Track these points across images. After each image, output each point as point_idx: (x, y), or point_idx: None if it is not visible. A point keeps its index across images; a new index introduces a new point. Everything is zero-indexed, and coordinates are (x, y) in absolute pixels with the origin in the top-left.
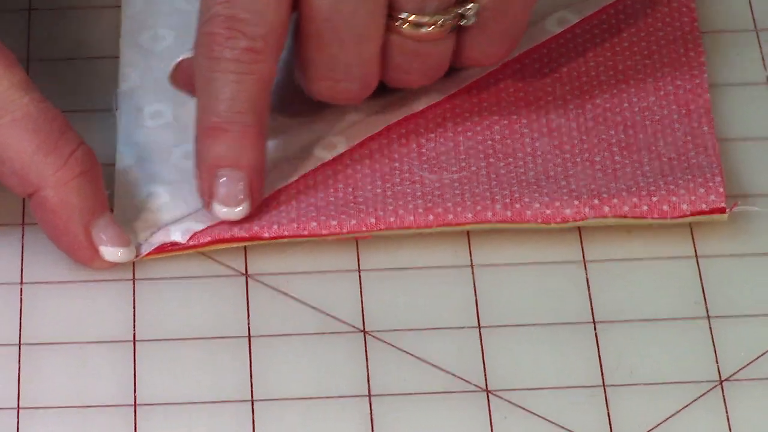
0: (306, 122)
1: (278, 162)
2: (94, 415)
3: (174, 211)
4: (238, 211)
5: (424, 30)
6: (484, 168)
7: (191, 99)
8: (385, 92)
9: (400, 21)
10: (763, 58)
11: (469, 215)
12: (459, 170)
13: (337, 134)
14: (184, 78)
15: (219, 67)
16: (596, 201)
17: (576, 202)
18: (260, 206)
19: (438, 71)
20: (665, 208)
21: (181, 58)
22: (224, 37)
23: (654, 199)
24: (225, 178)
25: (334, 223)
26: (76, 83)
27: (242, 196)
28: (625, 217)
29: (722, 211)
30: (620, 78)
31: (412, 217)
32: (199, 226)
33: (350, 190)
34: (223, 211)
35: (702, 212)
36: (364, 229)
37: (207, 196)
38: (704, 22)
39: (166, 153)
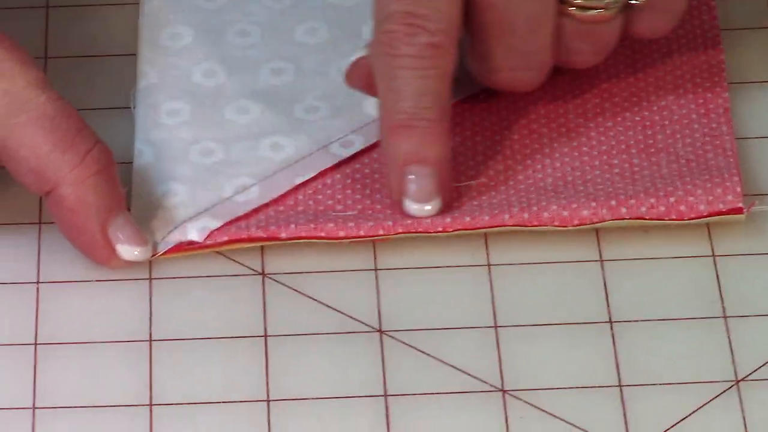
0: (323, 119)
1: (295, 159)
2: (110, 415)
3: (190, 208)
4: (430, 207)
5: (595, 12)
6: (501, 172)
7: (208, 97)
8: None
9: (572, 5)
10: None
11: (486, 218)
12: (477, 175)
13: (355, 132)
14: (360, 77)
15: (401, 64)
16: (613, 202)
17: (593, 204)
18: (277, 205)
19: (608, 49)
20: (682, 208)
21: (355, 57)
22: (404, 34)
23: (671, 199)
24: (414, 175)
25: (352, 224)
26: (94, 81)
27: (433, 192)
28: (643, 218)
29: (740, 211)
30: (639, 77)
31: (429, 220)
32: (215, 223)
33: (368, 192)
34: (414, 208)
35: (719, 212)
36: (381, 231)
37: (397, 194)
38: (723, 20)
39: (183, 151)
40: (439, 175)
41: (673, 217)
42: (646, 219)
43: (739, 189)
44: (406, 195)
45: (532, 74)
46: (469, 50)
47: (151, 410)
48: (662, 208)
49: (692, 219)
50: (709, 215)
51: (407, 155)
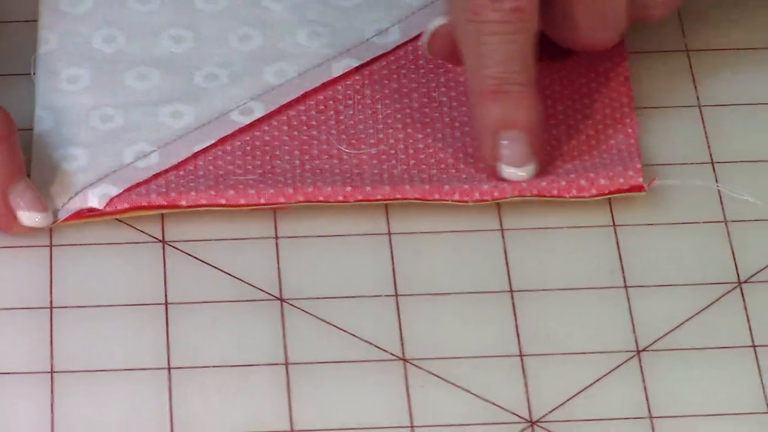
0: (222, 87)
1: (195, 126)
2: (11, 382)
3: (90, 174)
4: (525, 170)
5: None
6: (402, 141)
7: (108, 63)
8: (303, 58)
9: None
10: (682, 26)
11: (387, 188)
12: (377, 142)
13: (254, 99)
14: (441, 47)
15: (487, 30)
16: None
17: (494, 179)
18: (177, 170)
19: (679, 1)
20: (583, 182)
21: (434, 27)
22: (488, 0)
23: (571, 175)
24: (508, 140)
25: (252, 191)
26: None
27: (528, 155)
28: (543, 195)
29: (640, 189)
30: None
31: (330, 188)
32: (116, 190)
33: (268, 158)
34: (510, 172)
35: (620, 190)
36: (281, 199)
37: (492, 160)
38: None
39: (83, 116)
40: (532, 138)
41: (574, 192)
42: (547, 196)
43: (639, 166)
44: (501, 160)
45: (610, 33)
46: (546, 12)
47: (52, 377)
48: (563, 183)
49: (593, 197)
50: (610, 193)
51: (499, 121)
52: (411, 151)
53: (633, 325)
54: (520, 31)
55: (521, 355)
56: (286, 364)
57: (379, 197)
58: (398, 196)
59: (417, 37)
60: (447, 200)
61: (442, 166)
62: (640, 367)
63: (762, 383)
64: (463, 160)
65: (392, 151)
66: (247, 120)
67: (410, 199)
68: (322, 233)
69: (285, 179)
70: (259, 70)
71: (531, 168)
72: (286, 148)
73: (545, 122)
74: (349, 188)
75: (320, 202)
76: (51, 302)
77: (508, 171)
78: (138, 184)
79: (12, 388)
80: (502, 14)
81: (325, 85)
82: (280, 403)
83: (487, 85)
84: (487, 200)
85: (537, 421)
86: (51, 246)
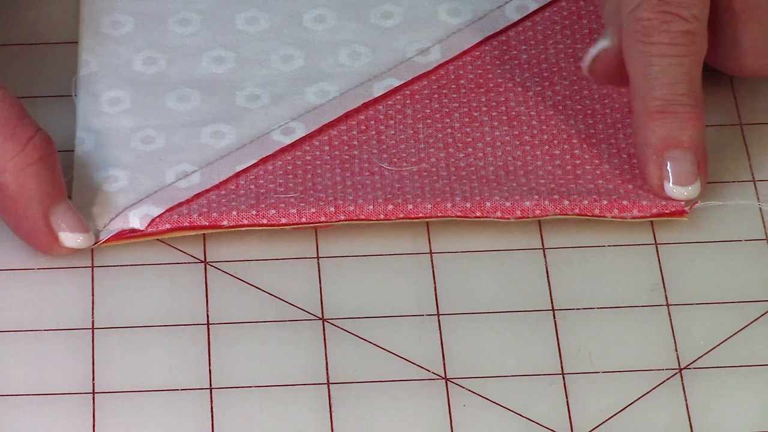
0: (264, 107)
1: (236, 146)
2: (53, 403)
3: (132, 195)
4: (691, 189)
5: None
6: (443, 159)
7: (149, 85)
8: (344, 78)
9: None
10: None
11: (428, 206)
12: (418, 161)
13: (296, 119)
14: (603, 68)
15: (656, 52)
16: (556, 196)
17: (536, 196)
18: (219, 189)
19: None
20: (625, 203)
21: (597, 50)
22: (659, 22)
23: (614, 196)
24: (674, 159)
25: (293, 211)
26: (35, 69)
27: (693, 174)
28: (584, 214)
29: (683, 213)
30: (579, 66)
31: (371, 207)
32: (157, 210)
33: (309, 176)
34: (676, 191)
35: (662, 213)
36: (323, 218)
37: (657, 179)
38: None
39: (125, 138)
40: (698, 158)
41: (616, 212)
42: (588, 215)
43: None
44: (667, 179)
45: None
46: (711, 38)
47: (93, 398)
48: (605, 202)
49: (635, 218)
50: (652, 215)
51: (663, 140)
52: (452, 169)
53: (675, 343)
54: (688, 54)
55: (563, 374)
56: (328, 383)
57: (420, 215)
58: (440, 213)
59: (458, 57)
60: (489, 217)
61: (483, 181)
62: (682, 385)
63: None
64: (505, 177)
65: (433, 169)
66: (288, 140)
67: (452, 216)
68: (363, 253)
69: (326, 196)
70: (300, 90)
71: (696, 187)
72: (328, 167)
73: (593, 141)
74: (390, 206)
75: (362, 220)
76: (93, 323)
77: (675, 190)
78: (179, 204)
79: (54, 409)
80: (672, 36)
81: (366, 105)
82: (322, 422)
83: (653, 106)
84: (528, 217)
85: None
86: (92, 267)
